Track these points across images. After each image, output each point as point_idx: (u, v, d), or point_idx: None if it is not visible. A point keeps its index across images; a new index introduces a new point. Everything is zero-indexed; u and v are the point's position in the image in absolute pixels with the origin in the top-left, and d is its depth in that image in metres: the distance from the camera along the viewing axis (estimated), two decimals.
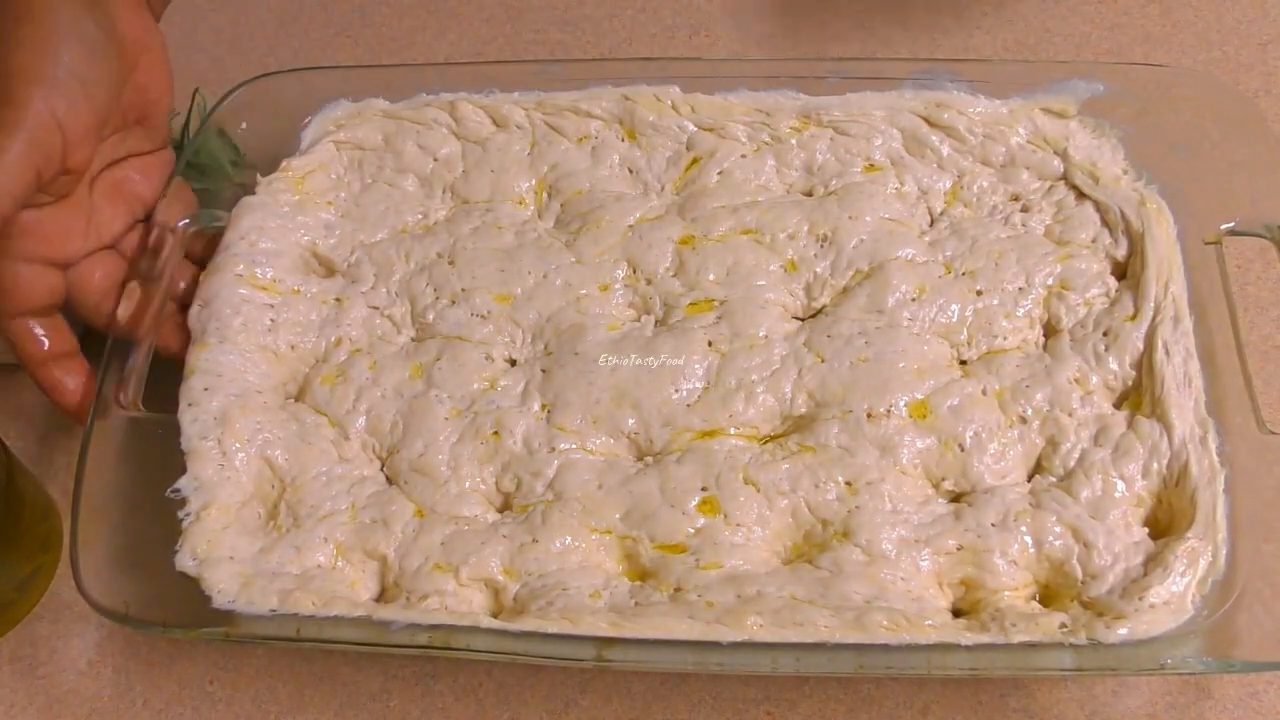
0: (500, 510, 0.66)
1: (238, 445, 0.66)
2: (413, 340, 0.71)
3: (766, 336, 0.68)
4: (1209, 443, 0.62)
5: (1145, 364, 0.65)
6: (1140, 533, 0.61)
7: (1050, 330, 0.68)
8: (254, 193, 0.75)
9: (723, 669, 0.59)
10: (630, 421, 0.66)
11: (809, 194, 0.74)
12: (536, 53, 0.92)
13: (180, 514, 0.64)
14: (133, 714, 0.67)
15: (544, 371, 0.68)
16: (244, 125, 0.78)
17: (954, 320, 0.68)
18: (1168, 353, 0.65)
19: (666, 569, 0.61)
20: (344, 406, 0.68)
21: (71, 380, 0.69)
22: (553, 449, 0.66)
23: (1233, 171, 0.71)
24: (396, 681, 0.67)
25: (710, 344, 0.68)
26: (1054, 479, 0.63)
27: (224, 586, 0.61)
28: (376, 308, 0.72)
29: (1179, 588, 0.58)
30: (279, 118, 0.78)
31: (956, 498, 0.64)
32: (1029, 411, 0.65)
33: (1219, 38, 0.88)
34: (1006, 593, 0.60)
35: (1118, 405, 0.65)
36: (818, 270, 0.71)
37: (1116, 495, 0.62)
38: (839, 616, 0.58)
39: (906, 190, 0.73)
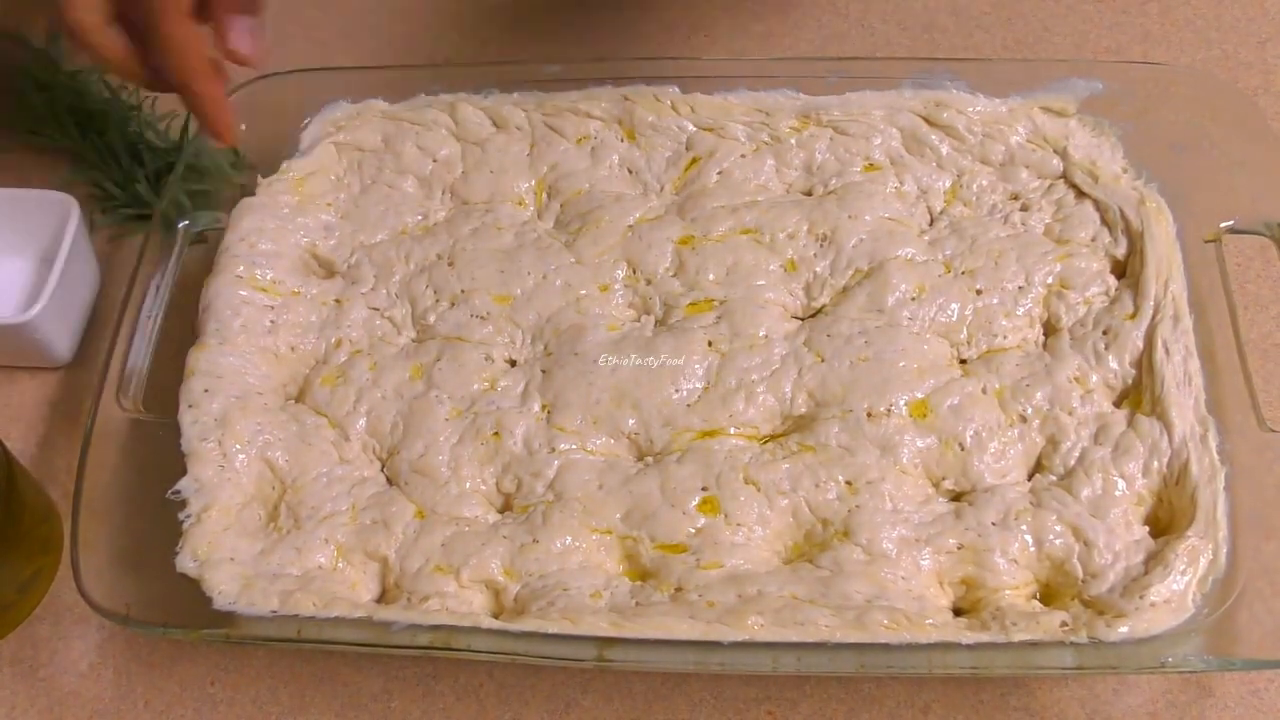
0: (501, 511, 0.66)
1: (238, 447, 0.66)
2: (413, 341, 0.71)
3: (766, 336, 0.68)
4: (1209, 441, 0.62)
5: (1145, 362, 0.65)
6: (1141, 531, 0.61)
7: (1050, 329, 0.68)
8: (254, 194, 0.75)
9: (724, 669, 0.59)
10: (630, 422, 0.66)
11: (808, 193, 0.75)
12: (536, 53, 0.92)
13: (181, 515, 0.64)
14: (134, 715, 0.67)
15: (544, 372, 0.68)
16: (243, 127, 0.78)
17: (954, 319, 0.68)
18: (1167, 351, 0.65)
19: (667, 569, 0.61)
20: (344, 408, 0.68)
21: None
22: (553, 449, 0.66)
23: (1232, 169, 0.71)
24: (398, 682, 0.67)
25: (710, 344, 0.68)
26: (1054, 478, 0.63)
27: (225, 588, 0.61)
28: (376, 309, 0.72)
29: (1180, 586, 0.58)
30: (278, 119, 0.78)
31: (957, 497, 0.64)
32: (1029, 410, 0.65)
33: (1218, 36, 0.88)
34: (1007, 591, 0.60)
35: (1118, 404, 0.65)
36: (817, 270, 0.71)
37: (1117, 494, 0.62)
38: (840, 616, 0.58)
39: (906, 189, 0.73)
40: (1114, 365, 0.66)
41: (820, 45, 0.91)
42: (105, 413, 0.67)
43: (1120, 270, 0.70)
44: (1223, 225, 0.69)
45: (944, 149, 0.74)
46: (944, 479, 0.64)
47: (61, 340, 0.77)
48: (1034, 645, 0.57)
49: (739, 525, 0.62)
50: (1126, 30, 0.89)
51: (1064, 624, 0.58)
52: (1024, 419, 0.65)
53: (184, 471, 0.65)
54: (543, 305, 0.71)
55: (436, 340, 0.70)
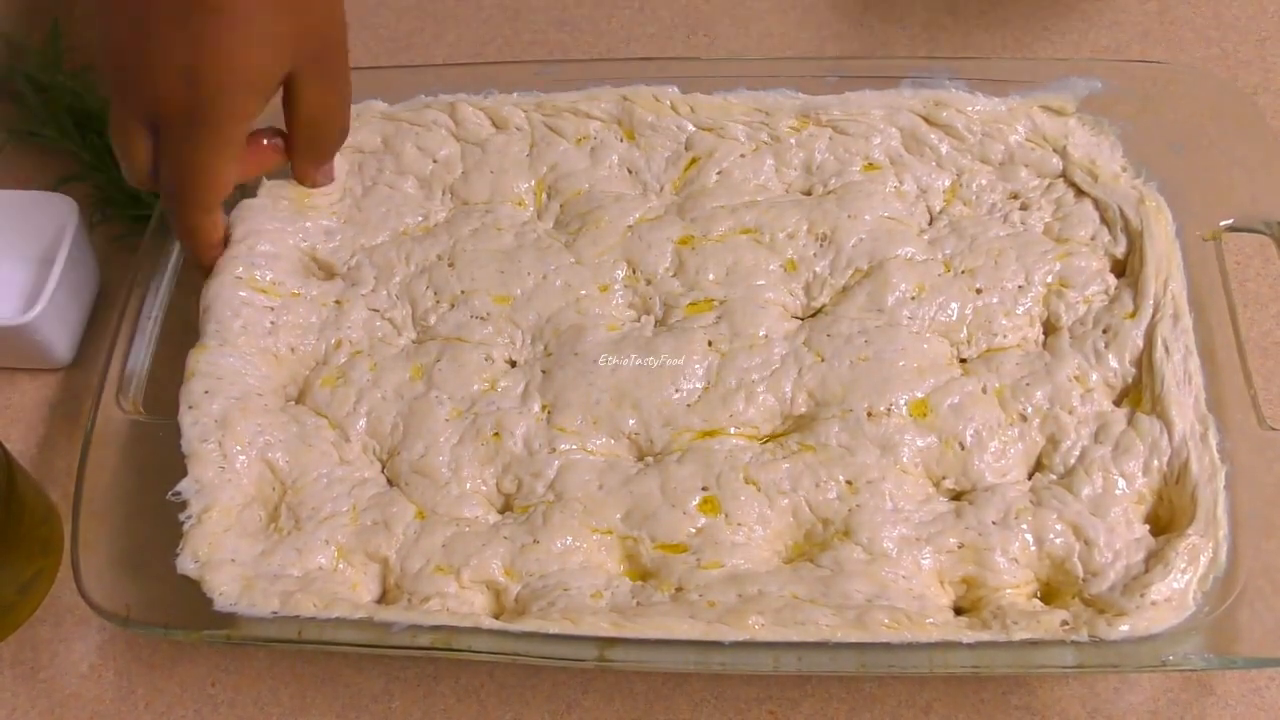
0: (501, 511, 0.66)
1: (238, 448, 0.66)
2: (413, 342, 0.71)
3: (766, 336, 0.68)
4: (1209, 439, 0.62)
5: (1145, 361, 0.65)
6: (1141, 530, 0.61)
7: (1050, 328, 0.68)
8: (254, 195, 0.75)
9: (725, 668, 0.59)
10: (630, 422, 0.66)
11: (808, 193, 0.75)
12: (535, 53, 0.92)
13: (181, 517, 0.63)
14: (135, 717, 0.67)
15: (544, 372, 0.68)
16: None
17: (954, 318, 0.68)
18: (1167, 350, 0.65)
19: (668, 569, 0.61)
20: (344, 408, 0.68)
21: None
22: (553, 450, 0.66)
23: (1231, 168, 0.71)
24: (398, 683, 0.67)
25: (710, 344, 0.68)
26: (1055, 476, 0.63)
27: (225, 589, 0.61)
28: (377, 310, 0.72)
29: (1180, 584, 0.58)
30: (278, 120, 0.78)
31: (957, 496, 0.64)
32: (1029, 409, 0.65)
33: (1217, 34, 0.88)
34: (1008, 590, 0.60)
35: (1118, 403, 0.65)
36: (817, 269, 0.71)
37: (1117, 492, 0.62)
38: (840, 615, 0.58)
39: (905, 189, 0.73)
40: (1114, 364, 0.66)
41: (820, 45, 0.91)
42: (105, 414, 0.67)
43: (1120, 269, 0.70)
44: (1222, 223, 0.69)
45: (943, 148, 0.74)
46: (944, 478, 0.64)
47: (61, 342, 0.77)
48: (1035, 644, 0.57)
49: (739, 525, 0.62)
50: (1126, 29, 0.89)
51: (1065, 623, 0.58)
52: (1024, 418, 0.65)
53: (184, 473, 0.65)
54: (543, 305, 0.71)
55: (437, 341, 0.70)
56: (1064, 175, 0.73)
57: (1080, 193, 0.72)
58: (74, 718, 0.67)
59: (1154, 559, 0.59)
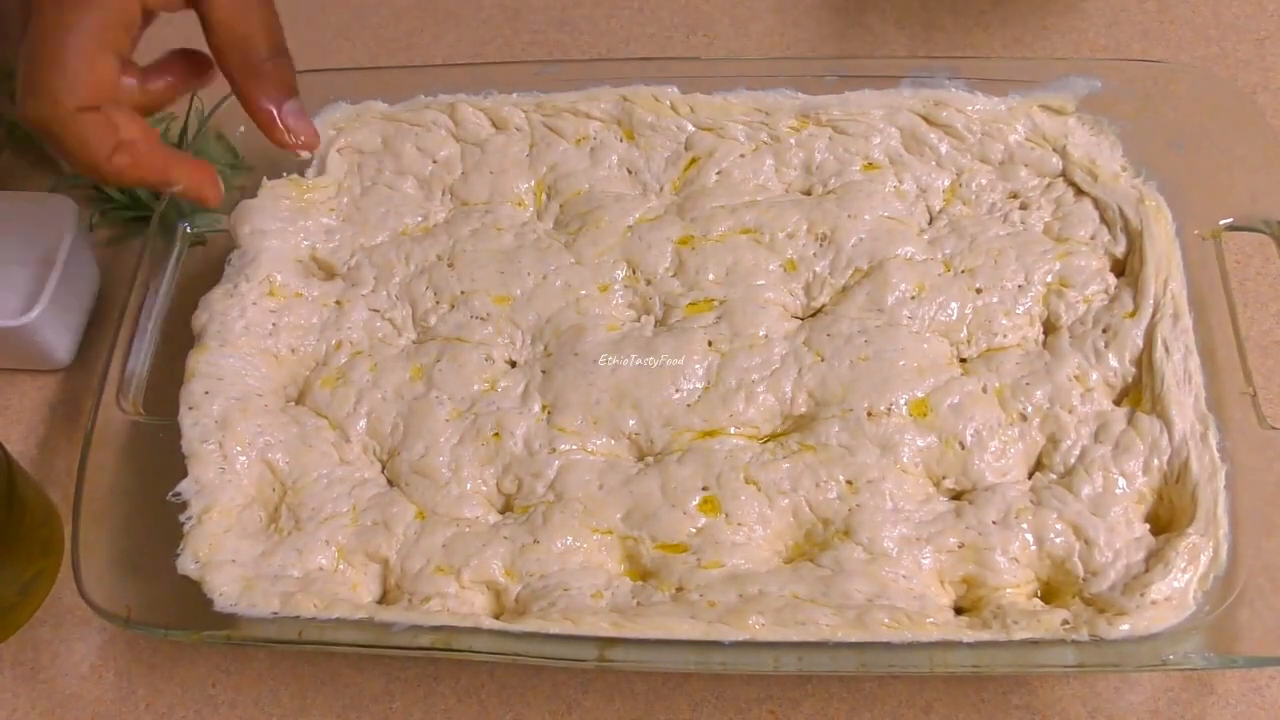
0: (501, 511, 0.66)
1: (239, 448, 0.66)
2: (413, 343, 0.71)
3: (766, 336, 0.68)
4: (1209, 439, 0.62)
5: (1145, 361, 0.65)
6: (1141, 529, 0.61)
7: (1050, 327, 0.68)
8: (254, 196, 0.75)
9: (725, 668, 0.59)
10: (631, 422, 0.66)
11: (808, 193, 0.75)
12: (534, 54, 0.92)
13: (181, 517, 0.64)
14: (135, 717, 0.67)
15: (544, 373, 0.68)
16: (242, 129, 0.78)
17: (954, 318, 0.68)
18: (1167, 349, 0.65)
19: (668, 569, 0.61)
20: (345, 409, 0.68)
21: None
22: (553, 450, 0.66)
23: (1231, 167, 0.71)
24: (399, 683, 0.67)
25: (710, 344, 0.68)
26: (1055, 476, 0.63)
27: (226, 589, 0.61)
28: (377, 310, 0.72)
29: (1180, 584, 0.58)
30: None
31: (957, 495, 0.64)
32: (1029, 409, 0.65)
33: (1216, 34, 0.88)
34: (1008, 590, 0.60)
35: (1118, 402, 0.65)
36: (817, 269, 0.71)
37: (1117, 492, 0.62)
38: (841, 615, 0.58)
39: (905, 189, 0.73)
40: (1114, 363, 0.66)
41: (819, 45, 0.91)
42: (105, 415, 0.67)
43: (1120, 268, 0.70)
44: (1222, 223, 0.69)
45: (943, 148, 0.74)
46: (944, 478, 0.64)
47: (61, 343, 0.77)
48: (1035, 643, 0.57)
49: (739, 525, 0.62)
50: (1125, 28, 0.89)
51: (1065, 622, 0.58)
52: (1024, 417, 0.65)
53: (184, 473, 0.65)
54: (542, 306, 0.71)
55: (437, 341, 0.70)
56: (1064, 175, 0.73)
57: (1080, 192, 0.72)
58: (75, 718, 0.67)
59: (1154, 558, 0.59)
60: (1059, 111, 0.74)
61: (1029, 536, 0.61)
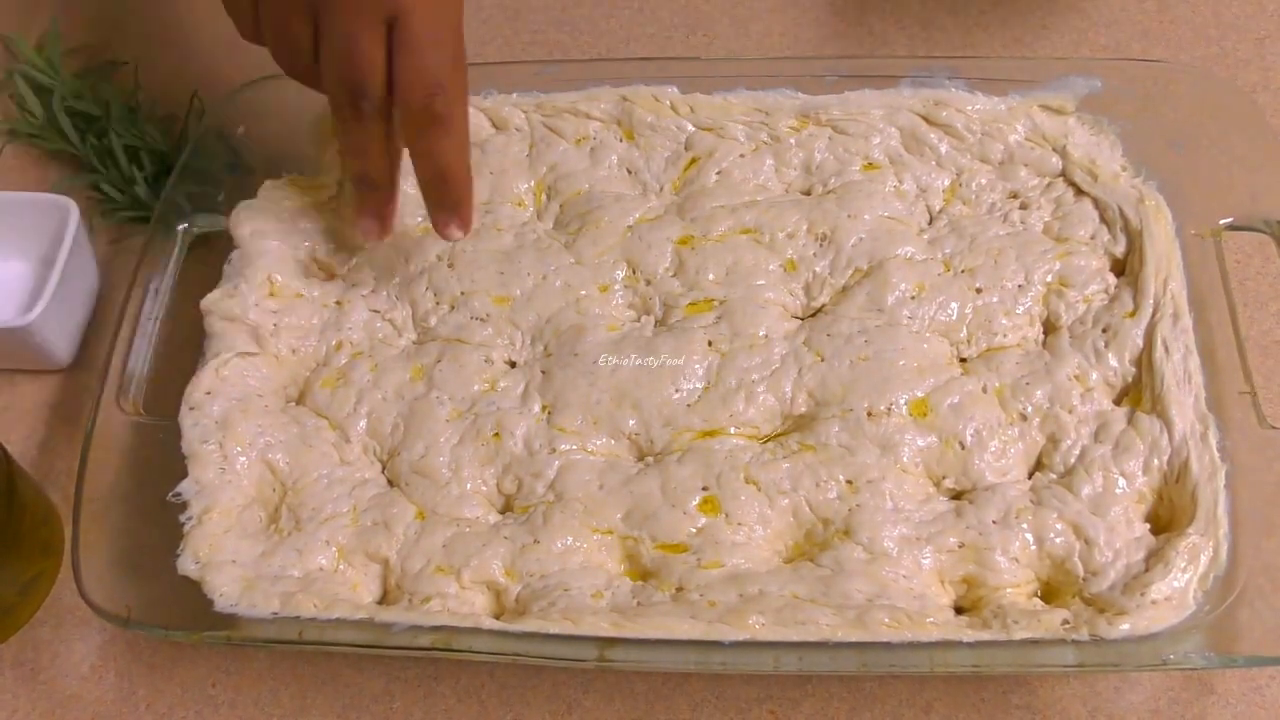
0: (502, 511, 0.66)
1: (239, 449, 0.66)
2: (413, 343, 0.71)
3: (766, 336, 0.68)
4: (1209, 439, 0.62)
5: (1145, 360, 0.65)
6: (1141, 529, 0.61)
7: (1050, 327, 0.68)
8: (254, 197, 0.75)
9: (725, 668, 0.59)
10: (631, 422, 0.66)
11: (808, 193, 0.75)
12: (534, 54, 0.92)
13: (181, 518, 0.64)
14: (135, 718, 0.67)
15: (544, 373, 0.68)
16: (241, 129, 0.78)
17: (953, 318, 0.68)
18: (1167, 349, 0.65)
19: (668, 569, 0.61)
20: (345, 409, 0.68)
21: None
22: (553, 450, 0.66)
23: (1231, 167, 0.71)
24: (399, 683, 0.67)
25: (710, 344, 0.68)
26: (1055, 476, 0.63)
27: (226, 590, 0.61)
28: (377, 311, 0.72)
29: (1180, 583, 0.58)
30: (278, 120, 0.78)
31: (957, 495, 0.64)
32: (1029, 409, 0.65)
33: (1216, 33, 0.88)
34: (1008, 590, 0.60)
35: (1118, 402, 0.65)
36: (817, 269, 0.71)
37: (1117, 492, 0.62)
38: (841, 615, 0.58)
39: (905, 188, 0.73)
40: (1114, 363, 0.66)
41: (819, 45, 0.91)
42: (106, 415, 0.67)
43: (1120, 268, 0.70)
44: (1222, 222, 0.69)
45: (943, 148, 0.74)
46: (945, 478, 0.64)
47: (61, 343, 0.77)
48: (1035, 643, 0.57)
49: (740, 525, 0.62)
50: (1125, 28, 0.89)
51: (1065, 622, 0.58)
52: (1024, 417, 0.65)
53: (185, 474, 0.65)
54: (542, 306, 0.71)
55: (437, 342, 0.70)
56: (1064, 174, 0.73)
57: (1080, 192, 0.72)
58: (75, 718, 0.67)
59: (1154, 558, 0.59)
60: (1059, 111, 0.74)
61: (1029, 536, 0.61)
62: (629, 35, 0.93)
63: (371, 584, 0.64)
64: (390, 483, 0.67)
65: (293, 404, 0.70)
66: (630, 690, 0.66)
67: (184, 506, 0.64)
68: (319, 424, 0.68)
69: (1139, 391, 0.65)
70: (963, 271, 0.70)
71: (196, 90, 0.83)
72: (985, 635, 0.57)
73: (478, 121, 0.77)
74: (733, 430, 0.66)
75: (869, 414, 0.64)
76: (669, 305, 0.71)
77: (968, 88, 0.75)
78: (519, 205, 0.76)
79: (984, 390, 0.65)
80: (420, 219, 0.76)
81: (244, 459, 0.66)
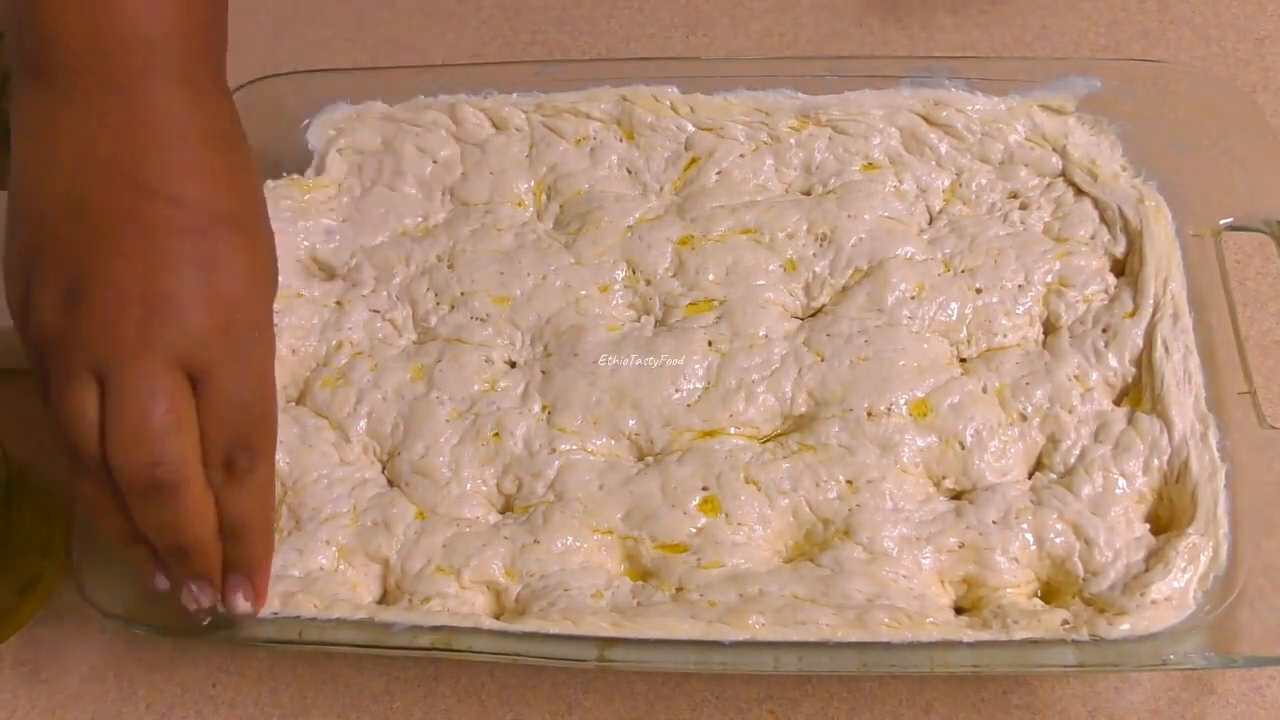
0: (502, 511, 0.66)
1: None
2: (414, 343, 0.71)
3: (766, 336, 0.68)
4: (1209, 439, 0.62)
5: (1145, 361, 0.65)
6: (1141, 529, 0.61)
7: (1050, 327, 0.68)
8: None
9: (725, 668, 0.59)
10: (631, 422, 0.66)
11: (808, 193, 0.75)
12: (534, 54, 0.92)
13: None
14: (136, 718, 0.67)
15: (544, 373, 0.68)
16: None
17: (953, 318, 0.68)
18: (1167, 349, 0.65)
19: (668, 569, 0.61)
20: (345, 409, 0.68)
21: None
22: (553, 450, 0.66)
23: (1231, 167, 0.71)
24: (399, 683, 0.67)
25: (710, 344, 0.68)
26: (1055, 476, 0.63)
27: None
28: (377, 311, 0.72)
29: (1180, 583, 0.58)
30: (277, 121, 0.78)
31: (957, 495, 0.64)
32: (1029, 409, 0.65)
33: (1216, 33, 0.88)
34: (1008, 590, 0.60)
35: (1118, 402, 0.65)
36: (817, 269, 0.71)
37: (1117, 492, 0.62)
38: (841, 615, 0.58)
39: (905, 188, 0.73)
40: (1114, 363, 0.66)
41: (819, 45, 0.91)
42: None
43: (1119, 268, 0.70)
44: (1222, 222, 0.69)
45: (943, 148, 0.74)
46: (945, 478, 0.64)
47: None
48: (1035, 643, 0.57)
49: (740, 525, 0.63)
50: (1125, 28, 0.89)
51: (1065, 622, 0.58)
52: (1024, 417, 0.65)
53: None
54: (542, 306, 0.71)
55: (437, 342, 0.70)
56: (1064, 174, 0.73)
57: (1080, 192, 0.72)
58: (75, 718, 0.67)
59: (1154, 558, 0.59)
60: (1059, 111, 0.74)
61: (1029, 536, 0.61)
62: (629, 35, 0.93)
63: (371, 584, 0.64)
64: (390, 483, 0.67)
65: (293, 404, 0.70)
66: (630, 690, 0.66)
67: None
68: (319, 424, 0.68)
69: (1139, 391, 0.65)
70: (963, 271, 0.70)
71: None
72: (985, 635, 0.57)
73: (478, 121, 0.77)
74: (733, 430, 0.66)
75: (869, 414, 0.65)
76: (669, 305, 0.71)
77: (968, 88, 0.74)
78: (519, 205, 0.76)
79: (984, 390, 0.65)
80: (420, 219, 0.76)
81: None
